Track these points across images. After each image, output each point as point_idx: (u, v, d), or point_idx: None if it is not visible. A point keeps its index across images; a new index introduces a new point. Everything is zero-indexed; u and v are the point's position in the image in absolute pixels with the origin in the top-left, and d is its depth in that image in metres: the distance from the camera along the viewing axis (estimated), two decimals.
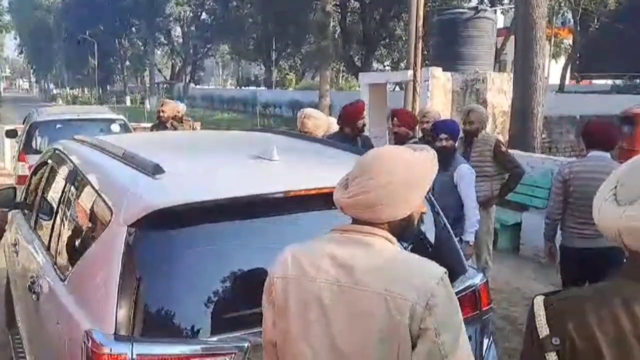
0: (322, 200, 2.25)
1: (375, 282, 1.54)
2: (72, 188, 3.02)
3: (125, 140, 3.92)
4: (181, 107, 8.60)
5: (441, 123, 5.20)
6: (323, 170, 2.55)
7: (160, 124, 7.77)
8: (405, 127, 5.52)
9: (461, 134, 5.38)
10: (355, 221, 1.67)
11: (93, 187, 2.63)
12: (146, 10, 45.19)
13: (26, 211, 4.14)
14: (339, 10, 30.40)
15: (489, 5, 19.56)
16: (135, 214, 2.12)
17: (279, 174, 2.54)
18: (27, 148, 8.71)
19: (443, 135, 4.78)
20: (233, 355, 2.05)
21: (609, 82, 24.97)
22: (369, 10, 30.19)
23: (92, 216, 2.54)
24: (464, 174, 4.67)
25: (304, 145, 3.43)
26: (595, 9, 24.65)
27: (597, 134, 4.23)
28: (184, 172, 2.55)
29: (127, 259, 2.09)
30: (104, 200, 2.42)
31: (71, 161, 3.21)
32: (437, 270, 1.57)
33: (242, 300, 2.20)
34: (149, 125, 13.61)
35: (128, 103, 48.25)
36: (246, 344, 2.06)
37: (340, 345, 1.58)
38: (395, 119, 5.65)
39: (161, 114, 7.78)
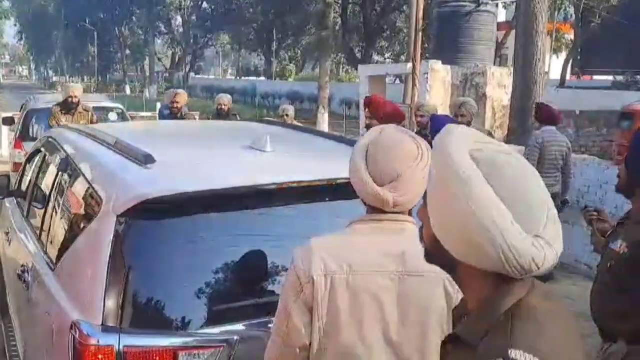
0: (314, 192, 2.26)
1: (429, 266, 1.45)
2: (64, 176, 2.99)
3: (118, 129, 3.91)
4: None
5: (437, 118, 5.16)
6: (316, 162, 2.53)
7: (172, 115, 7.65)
8: (379, 121, 5.11)
9: None
10: (373, 210, 1.65)
11: (84, 176, 2.61)
12: None
13: (20, 199, 4.11)
14: (340, 1, 30.26)
15: None
16: (125, 203, 2.10)
17: (271, 165, 2.51)
18: (23, 135, 8.68)
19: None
20: (221, 348, 2.02)
21: (610, 78, 24.89)
22: (370, 2, 30.06)
23: (83, 205, 2.52)
24: None
25: (298, 136, 3.40)
26: (597, 5, 24.53)
27: (547, 114, 6.24)
28: (176, 162, 2.52)
29: (116, 249, 2.06)
30: (94, 190, 2.40)
31: (63, 149, 3.18)
32: None
33: (232, 293, 2.18)
34: (148, 114, 13.54)
35: (128, 92, 48.06)
36: (235, 337, 2.04)
37: (396, 337, 1.55)
38: (367, 109, 5.25)
39: (175, 104, 7.65)
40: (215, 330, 2.07)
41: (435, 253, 1.18)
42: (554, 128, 6.20)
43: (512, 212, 1.05)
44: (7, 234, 4.04)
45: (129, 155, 2.47)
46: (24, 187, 4.15)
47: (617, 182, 2.80)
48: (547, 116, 6.25)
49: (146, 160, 2.33)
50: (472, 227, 1.06)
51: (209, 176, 2.30)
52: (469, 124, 5.45)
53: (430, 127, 5.01)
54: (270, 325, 1.88)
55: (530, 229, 1.06)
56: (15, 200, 4.20)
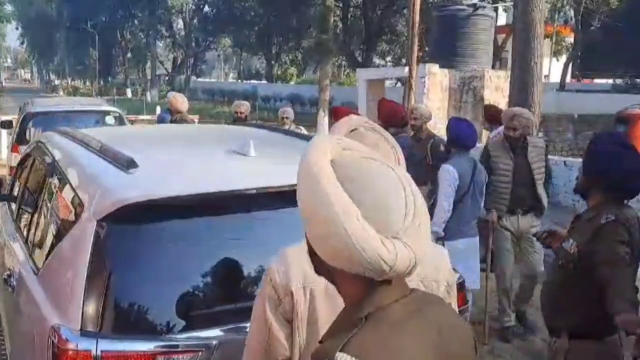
0: (295, 196, 2.24)
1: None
2: (50, 181, 3.01)
3: (107, 133, 3.90)
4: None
5: (456, 123, 4.88)
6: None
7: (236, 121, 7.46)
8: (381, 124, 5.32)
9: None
10: None
11: (68, 181, 2.62)
12: (148, 1, 45.08)
13: (11, 203, 4.10)
14: (341, 4, 30.32)
15: (490, 2, 19.48)
16: (105, 208, 2.11)
17: (253, 170, 2.52)
18: (20, 139, 8.68)
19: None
20: (200, 353, 2.03)
21: (610, 81, 24.93)
22: (371, 5, 30.11)
23: (66, 210, 2.53)
24: (440, 173, 4.62)
25: (284, 141, 3.40)
26: (596, 8, 24.56)
27: (498, 115, 6.21)
28: (158, 167, 2.54)
29: (95, 254, 2.07)
30: (76, 194, 2.41)
31: (51, 154, 3.20)
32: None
33: (212, 298, 2.19)
34: (148, 117, 13.45)
35: (129, 95, 48.19)
36: (214, 342, 2.05)
37: None
38: (332, 118, 5.37)
39: (239, 114, 7.47)
40: (195, 334, 2.07)
41: (316, 262, 1.20)
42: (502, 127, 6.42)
43: (365, 213, 1.08)
44: None
45: (112, 159, 2.48)
46: (15, 192, 4.17)
47: (575, 183, 2.95)
48: (496, 115, 6.48)
49: (128, 164, 2.34)
50: (323, 225, 1.09)
51: (190, 181, 2.30)
52: (522, 137, 4.91)
53: (448, 133, 4.87)
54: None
55: (384, 230, 1.09)
56: (6, 205, 4.20)
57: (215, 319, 2.12)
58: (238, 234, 2.24)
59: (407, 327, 1.14)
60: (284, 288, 1.59)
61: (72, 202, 2.44)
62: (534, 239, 3.98)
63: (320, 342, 1.21)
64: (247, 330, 1.85)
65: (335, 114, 5.43)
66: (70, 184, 2.55)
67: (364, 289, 1.14)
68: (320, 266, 1.20)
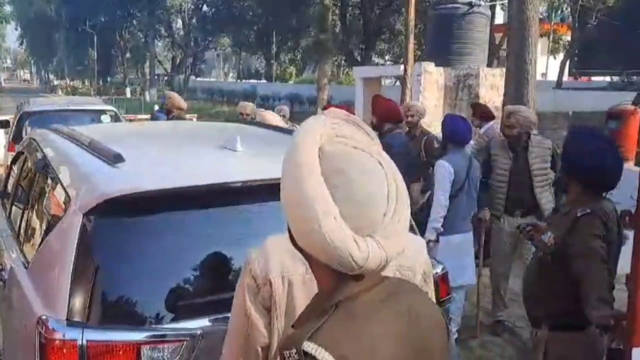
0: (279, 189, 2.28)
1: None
2: (40, 176, 3.05)
3: (98, 129, 3.98)
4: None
5: (451, 119, 4.89)
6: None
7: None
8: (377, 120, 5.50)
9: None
10: None
11: (57, 175, 2.66)
12: (147, 1, 45.11)
13: (4, 200, 4.16)
14: (339, 4, 30.34)
15: (486, 0, 19.50)
16: (91, 202, 2.15)
17: (238, 163, 2.56)
18: (17, 138, 8.73)
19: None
20: (184, 342, 2.07)
21: (608, 79, 24.92)
22: (369, 4, 30.13)
23: (54, 204, 2.57)
24: (435, 168, 4.67)
25: (275, 137, 3.43)
26: (593, 6, 24.56)
27: (485, 111, 7.00)
28: (145, 161, 2.57)
29: (82, 247, 2.11)
30: (64, 188, 2.45)
31: (42, 150, 3.24)
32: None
33: (197, 289, 2.23)
34: (147, 117, 13.46)
35: (128, 95, 48.17)
36: (198, 332, 2.09)
37: None
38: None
39: (244, 116, 7.31)
40: (180, 325, 2.11)
41: (294, 243, 1.21)
42: (492, 123, 6.77)
43: (341, 208, 1.09)
44: None
45: (99, 154, 2.53)
46: (9, 188, 4.22)
47: (555, 177, 3.00)
48: (485, 112, 6.84)
49: (115, 159, 2.38)
50: (300, 214, 1.11)
51: (175, 174, 2.34)
52: (522, 136, 4.76)
53: (443, 130, 4.87)
54: None
55: (361, 228, 1.10)
56: (1, 201, 4.25)
57: (199, 309, 2.16)
58: (222, 226, 2.28)
59: (377, 316, 1.15)
60: (262, 277, 1.61)
61: (60, 197, 2.48)
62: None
63: (293, 326, 1.23)
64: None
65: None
66: (59, 179, 2.59)
67: (335, 277, 1.16)
68: (297, 247, 1.21)
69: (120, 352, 2.01)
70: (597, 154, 2.68)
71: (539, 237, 2.96)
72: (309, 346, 1.06)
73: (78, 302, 2.06)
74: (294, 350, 1.07)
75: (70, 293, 2.05)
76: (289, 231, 1.21)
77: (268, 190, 2.23)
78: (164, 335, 2.08)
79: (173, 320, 2.13)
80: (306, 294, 1.58)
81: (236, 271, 2.23)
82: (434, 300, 1.79)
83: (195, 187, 2.24)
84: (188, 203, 2.24)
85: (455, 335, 4.66)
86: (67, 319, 2.03)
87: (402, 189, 1.17)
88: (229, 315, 1.98)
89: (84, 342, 1.97)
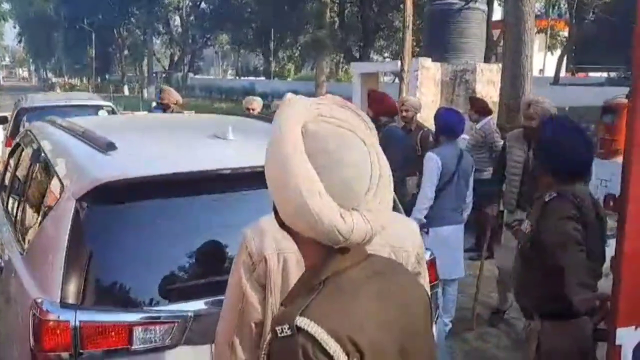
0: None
1: (378, 238, 1.44)
2: (35, 166, 3.11)
3: (92, 121, 4.01)
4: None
5: (444, 113, 4.94)
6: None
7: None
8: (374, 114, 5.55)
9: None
10: None
11: (51, 164, 2.72)
12: None
13: (2, 192, 4.18)
14: (337, 0, 30.32)
15: None
16: (83, 187, 2.21)
17: (228, 151, 2.61)
18: (14, 134, 8.75)
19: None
20: (175, 324, 2.13)
21: (605, 75, 24.99)
22: (368, 1, 30.12)
23: (49, 191, 2.62)
24: (424, 161, 4.70)
25: (263, 127, 3.44)
26: (590, 1, 24.60)
27: (485, 108, 6.74)
28: (136, 149, 2.64)
29: (75, 231, 2.17)
30: (58, 176, 2.50)
31: (37, 141, 3.30)
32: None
33: (187, 273, 2.28)
34: (143, 113, 13.45)
35: (126, 92, 48.15)
36: (189, 314, 2.14)
37: None
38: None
39: (251, 111, 7.22)
40: (171, 307, 2.17)
41: (279, 221, 1.24)
42: (489, 119, 6.72)
43: (326, 184, 1.13)
44: None
45: (92, 143, 2.59)
46: (6, 180, 4.24)
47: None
48: (482, 108, 6.76)
49: (108, 147, 2.44)
50: (285, 192, 1.14)
51: (165, 162, 2.40)
52: (537, 128, 4.25)
53: (436, 122, 4.89)
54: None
55: (346, 203, 1.14)
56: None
57: (191, 292, 2.22)
58: (210, 212, 2.34)
59: (364, 292, 1.18)
60: (258, 254, 1.66)
61: (54, 184, 2.53)
62: None
63: (282, 304, 1.28)
64: (221, 302, 1.91)
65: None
66: (53, 167, 2.65)
67: (322, 253, 1.19)
68: (283, 225, 1.24)
69: (113, 333, 2.06)
70: (565, 142, 2.71)
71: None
72: (301, 321, 1.09)
73: (72, 285, 2.11)
74: (286, 326, 1.09)
75: (63, 276, 2.11)
76: (275, 212, 1.24)
77: (257, 177, 2.28)
78: (155, 317, 2.13)
79: (165, 302, 2.19)
80: (300, 271, 1.60)
81: (225, 255, 2.30)
82: (427, 281, 1.84)
83: (184, 174, 2.30)
84: (177, 189, 2.30)
85: (449, 326, 4.70)
86: (60, 301, 2.08)
87: (385, 171, 1.20)
88: (220, 298, 2.03)
89: (77, 323, 2.03)
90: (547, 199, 2.67)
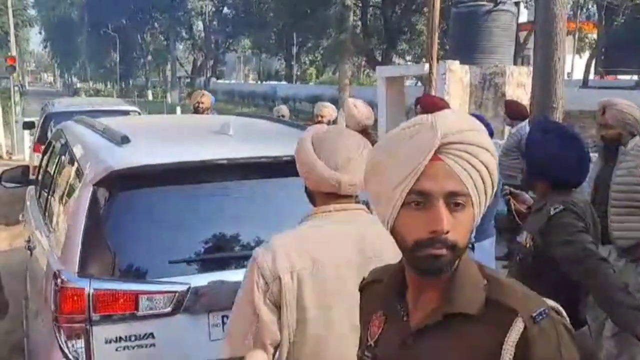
0: (264, 168, 2.70)
1: (387, 250, 1.49)
2: (62, 158, 3.57)
3: (116, 121, 4.30)
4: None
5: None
6: (270, 144, 3.00)
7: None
8: None
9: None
10: (323, 201, 1.81)
11: (74, 156, 3.11)
12: (168, 4, 45.51)
13: (37, 186, 4.65)
14: (360, 4, 30.23)
15: None
16: (98, 174, 2.56)
17: (228, 144, 2.95)
18: (42, 139, 8.69)
19: None
20: (175, 294, 2.44)
21: (635, 77, 24.48)
22: (390, 4, 29.98)
23: (71, 179, 2.99)
24: None
25: (272, 127, 3.86)
26: (620, 3, 24.13)
27: (521, 112, 6.80)
28: (147, 142, 3.04)
29: (91, 212, 2.50)
30: (79, 165, 2.88)
31: (65, 137, 3.71)
32: None
33: (187, 250, 2.58)
34: None
35: (150, 97, 48.65)
36: (187, 286, 2.45)
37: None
38: (418, 106, 5.05)
39: (200, 105, 7.33)
40: (172, 279, 2.47)
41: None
42: (525, 123, 6.52)
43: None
44: (23, 216, 4.76)
45: (110, 137, 2.95)
46: (40, 175, 4.68)
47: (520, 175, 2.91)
48: (517, 111, 6.69)
49: (122, 140, 2.80)
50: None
51: (171, 152, 2.74)
52: (619, 139, 3.60)
53: None
54: (219, 279, 2.43)
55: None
56: (33, 188, 4.80)
57: (189, 268, 2.54)
58: (210, 196, 2.69)
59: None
60: (271, 273, 1.69)
61: (76, 172, 2.91)
62: None
63: None
64: (216, 278, 2.45)
65: (422, 104, 5.16)
66: (76, 158, 3.04)
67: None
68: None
69: (121, 300, 2.40)
70: (561, 155, 2.53)
71: (518, 205, 2.90)
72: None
73: (88, 259, 2.45)
74: None
75: (81, 252, 2.45)
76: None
77: (248, 167, 2.70)
78: (158, 288, 2.44)
79: (167, 275, 2.48)
80: (314, 288, 1.69)
81: (221, 236, 2.64)
82: None
83: (186, 163, 2.65)
84: (181, 176, 2.65)
85: None
86: (78, 272, 2.42)
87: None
88: (213, 273, 2.49)
89: (91, 291, 2.36)
90: (552, 212, 2.49)
